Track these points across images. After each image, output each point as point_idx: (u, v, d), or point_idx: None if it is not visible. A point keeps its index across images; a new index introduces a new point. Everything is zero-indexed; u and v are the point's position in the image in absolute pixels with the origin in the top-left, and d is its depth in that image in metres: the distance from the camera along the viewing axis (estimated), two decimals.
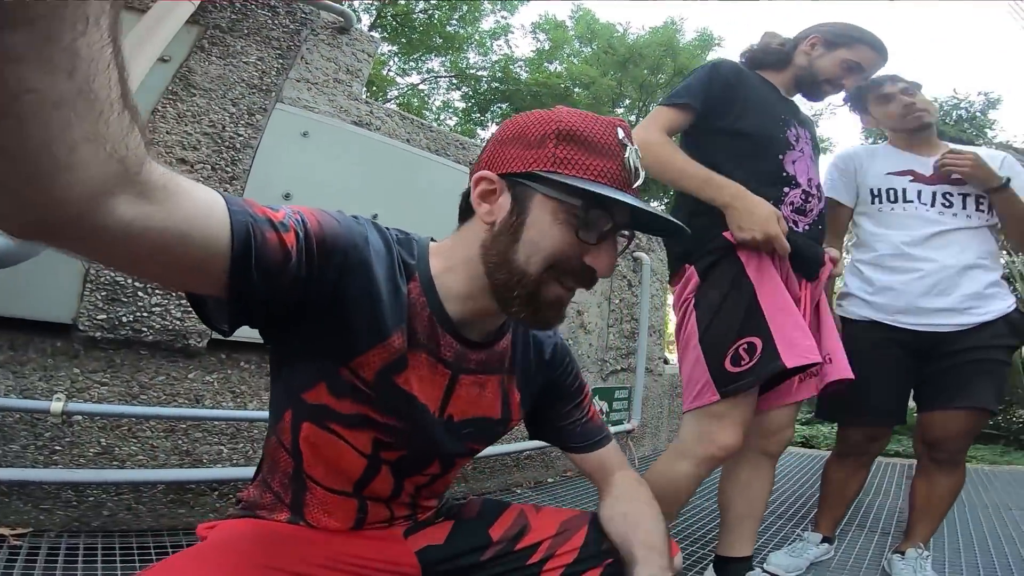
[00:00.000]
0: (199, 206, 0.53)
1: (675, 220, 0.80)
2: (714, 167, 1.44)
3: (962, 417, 1.70)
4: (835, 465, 2.00)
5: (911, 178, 1.82)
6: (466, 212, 0.83)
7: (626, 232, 0.82)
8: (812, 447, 4.83)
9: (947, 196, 1.77)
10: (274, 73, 2.02)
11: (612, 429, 3.11)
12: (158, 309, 1.67)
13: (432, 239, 0.86)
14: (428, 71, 16.99)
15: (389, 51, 16.20)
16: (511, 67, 16.61)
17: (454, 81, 17.04)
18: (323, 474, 0.82)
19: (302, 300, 0.67)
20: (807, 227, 1.54)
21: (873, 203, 1.86)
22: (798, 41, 1.66)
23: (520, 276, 0.74)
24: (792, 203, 1.56)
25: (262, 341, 0.76)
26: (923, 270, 1.73)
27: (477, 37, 16.23)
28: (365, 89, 2.44)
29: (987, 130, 16.04)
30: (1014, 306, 1.72)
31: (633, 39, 16.07)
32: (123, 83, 0.37)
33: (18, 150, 0.33)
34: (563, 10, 17.61)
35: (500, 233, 0.76)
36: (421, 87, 17.25)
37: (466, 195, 0.82)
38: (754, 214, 1.37)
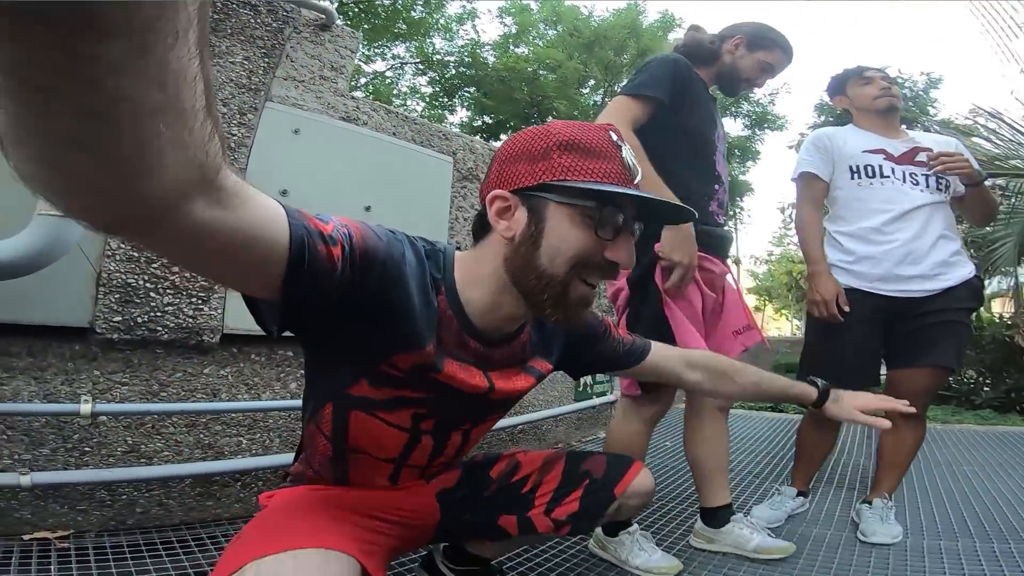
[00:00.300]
0: (265, 215, 0.57)
1: (681, 204, 0.88)
2: (660, 163, 1.49)
3: (927, 374, 1.88)
4: (809, 427, 2.14)
5: (884, 156, 1.96)
6: (481, 230, 0.88)
7: (637, 223, 0.88)
8: (781, 411, 5.05)
9: (913, 175, 1.93)
10: (261, 72, 2.03)
11: (595, 401, 3.24)
12: (171, 308, 1.71)
13: (457, 246, 0.92)
14: (394, 57, 16.73)
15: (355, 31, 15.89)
16: (478, 52, 16.48)
17: (420, 67, 16.82)
18: (366, 447, 0.93)
19: (344, 307, 0.72)
20: (723, 219, 1.73)
21: (852, 178, 1.98)
22: (724, 39, 1.75)
23: (548, 279, 0.80)
24: (719, 200, 1.71)
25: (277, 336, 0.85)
26: (899, 240, 1.88)
27: (443, 22, 15.99)
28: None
29: (929, 108, 16.60)
30: (973, 272, 1.89)
31: (598, 22, 16.06)
32: (208, 94, 0.39)
33: (113, 152, 0.35)
34: None
35: (521, 244, 0.81)
36: (387, 74, 16.98)
37: (480, 215, 0.88)
38: (688, 241, 1.50)
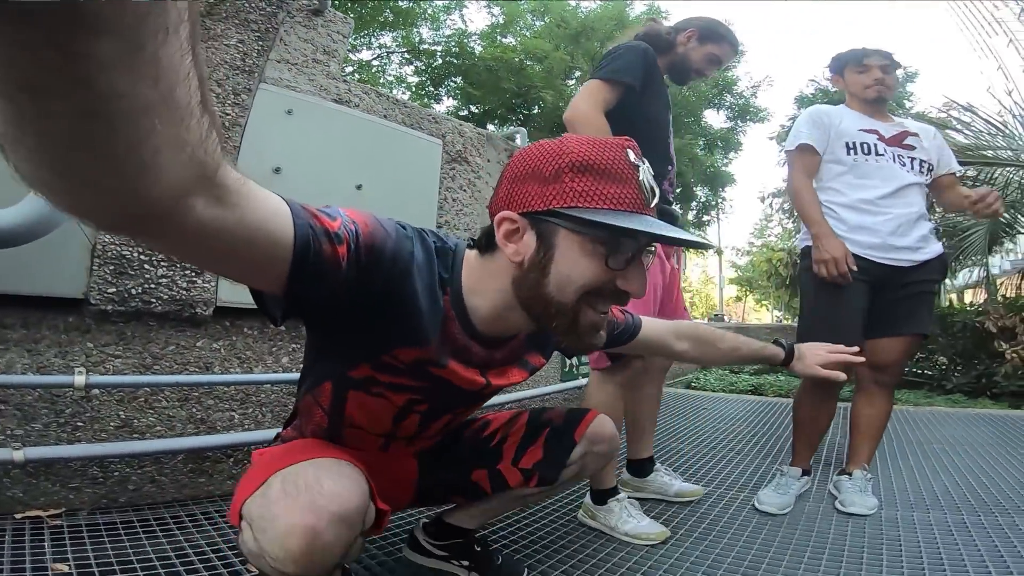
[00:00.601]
0: (268, 213, 0.56)
1: (698, 239, 0.86)
2: None
3: (906, 342, 2.00)
4: (805, 401, 2.12)
5: (877, 136, 2.04)
6: (489, 245, 0.84)
7: (651, 248, 0.85)
8: (761, 394, 5.14)
9: (901, 157, 2.03)
10: (255, 55, 2.01)
11: (581, 381, 3.25)
12: (165, 280, 1.70)
13: (468, 244, 0.90)
14: (380, 47, 16.54)
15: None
16: (465, 42, 16.34)
17: (407, 56, 16.65)
18: (361, 421, 0.96)
19: (349, 302, 0.72)
20: (672, 196, 1.90)
21: (849, 154, 2.03)
22: (679, 31, 1.85)
23: (556, 308, 0.78)
24: (670, 179, 1.85)
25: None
26: (892, 214, 1.97)
27: (430, 12, 15.82)
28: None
29: (905, 102, 16.91)
30: (942, 249, 2.03)
31: (585, 13, 16.02)
32: (203, 90, 0.38)
33: (109, 151, 0.35)
34: None
35: (529, 270, 0.78)
36: (373, 63, 16.79)
37: (487, 231, 0.84)
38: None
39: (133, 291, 1.65)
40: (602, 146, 0.78)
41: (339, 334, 0.83)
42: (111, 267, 1.62)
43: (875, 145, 2.03)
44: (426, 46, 16.20)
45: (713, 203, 17.30)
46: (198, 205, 0.46)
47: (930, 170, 2.07)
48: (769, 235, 31.30)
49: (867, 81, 2.06)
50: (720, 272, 26.91)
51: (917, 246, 1.97)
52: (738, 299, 44.49)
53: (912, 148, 2.05)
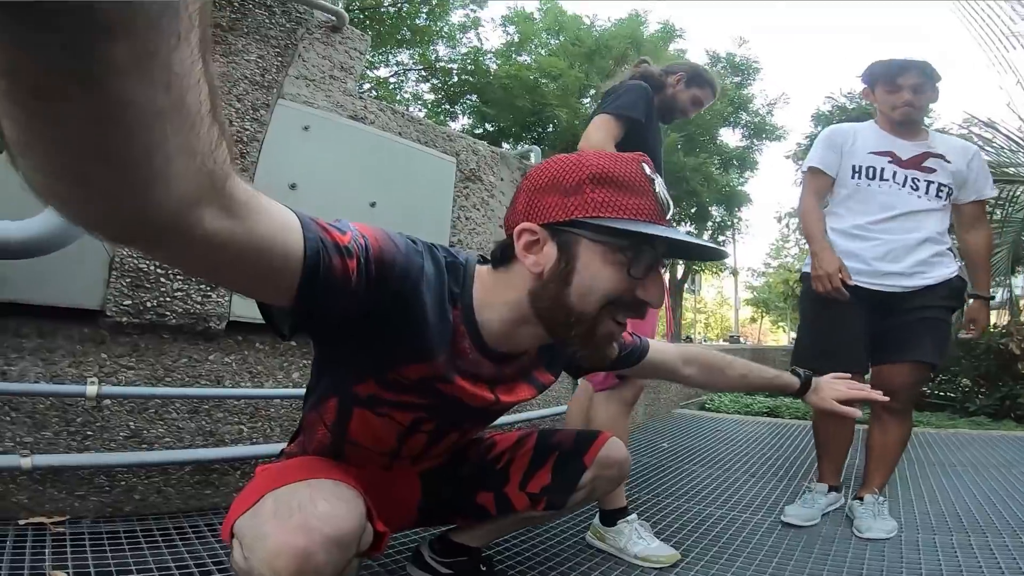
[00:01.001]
0: (277, 226, 0.56)
1: (713, 245, 0.85)
2: None
3: (908, 369, 1.93)
4: (822, 423, 2.15)
5: (889, 159, 2.00)
6: (504, 258, 0.84)
7: (666, 260, 0.87)
8: (777, 416, 5.05)
9: (915, 181, 1.97)
10: (274, 70, 2.06)
11: (552, 409, 3.12)
12: (180, 294, 1.73)
13: (479, 259, 0.90)
14: (397, 64, 16.81)
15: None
16: (481, 59, 16.55)
17: (423, 74, 16.90)
18: (365, 440, 0.95)
19: (358, 318, 0.72)
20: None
21: (853, 178, 2.03)
22: (669, 73, 1.99)
23: (577, 317, 0.78)
24: None
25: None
26: (881, 239, 1.95)
27: (446, 30, 16.07)
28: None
29: (926, 117, 16.68)
30: (955, 272, 1.94)
31: (599, 31, 16.16)
32: (213, 98, 0.38)
33: (121, 159, 0.35)
34: (532, 3, 17.54)
35: (550, 281, 0.78)
36: (391, 80, 17.06)
37: (503, 244, 0.84)
38: None
39: (148, 304, 1.67)
40: (620, 160, 0.80)
41: (347, 349, 0.82)
42: (128, 280, 1.65)
43: (882, 169, 2.00)
44: (442, 63, 16.42)
45: (729, 223, 17.16)
46: (207, 216, 0.45)
47: (948, 193, 1.99)
48: (786, 256, 31.08)
49: (896, 102, 2.01)
50: (736, 293, 26.87)
51: (913, 271, 1.93)
52: (753, 320, 44.12)
53: (931, 171, 1.98)
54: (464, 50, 16.48)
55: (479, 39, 16.63)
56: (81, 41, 0.28)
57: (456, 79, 16.77)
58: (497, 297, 0.84)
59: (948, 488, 2.45)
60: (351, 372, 0.87)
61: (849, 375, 1.41)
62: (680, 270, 17.44)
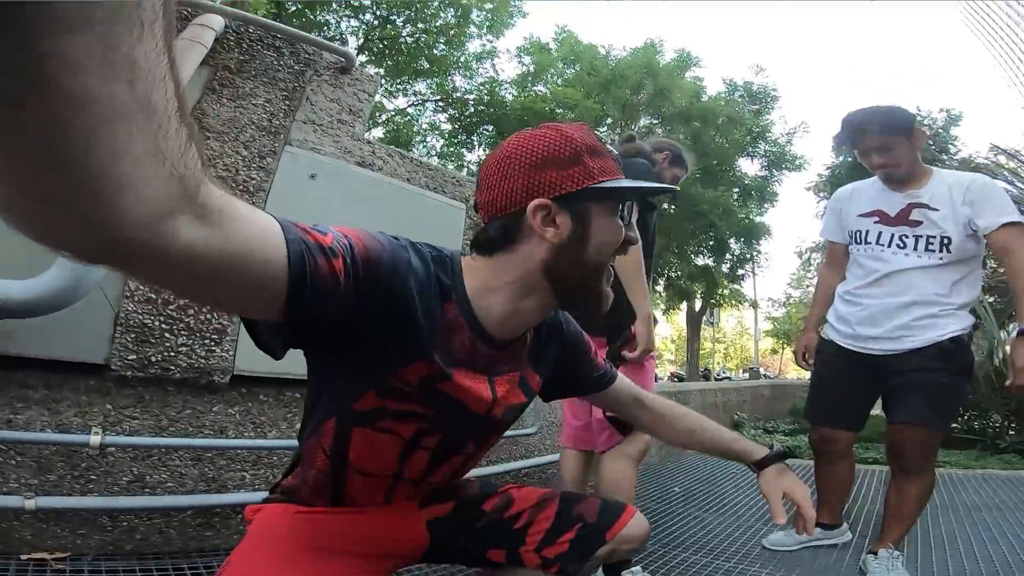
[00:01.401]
0: (257, 230, 0.54)
1: (668, 186, 0.95)
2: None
3: (901, 430, 1.92)
4: (818, 461, 2.25)
5: (876, 219, 2.03)
6: (498, 245, 0.87)
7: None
8: (796, 457, 4.96)
9: (903, 238, 1.97)
10: (281, 115, 2.11)
11: (513, 433, 3.07)
12: (184, 349, 1.78)
13: (462, 253, 0.92)
14: (415, 94, 17.19)
15: (376, 73, 16.46)
16: (497, 90, 16.81)
17: (440, 104, 17.22)
18: (366, 464, 0.92)
19: (349, 322, 0.71)
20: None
21: (851, 244, 2.11)
22: (657, 151, 2.16)
23: (591, 271, 0.87)
24: None
25: (280, 375, 0.87)
26: (863, 304, 2.01)
27: (463, 60, 16.43)
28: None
29: (949, 146, 16.44)
30: (948, 335, 1.88)
31: (615, 61, 16.37)
32: (179, 97, 0.37)
33: (83, 166, 0.33)
34: (547, 31, 17.88)
35: (569, 247, 0.84)
36: (408, 110, 17.41)
37: (503, 226, 0.86)
38: (650, 344, 1.80)
39: (153, 358, 1.73)
40: (587, 130, 0.89)
41: (342, 359, 0.81)
42: (132, 335, 1.71)
43: (867, 232, 2.05)
44: (459, 94, 16.74)
45: (748, 256, 16.98)
46: (181, 226, 0.43)
47: (945, 244, 1.91)
48: (808, 286, 30.72)
49: (871, 165, 2.03)
50: (755, 325, 26.65)
51: (896, 335, 1.93)
52: (774, 352, 43.44)
53: (917, 224, 1.95)
54: (480, 80, 16.80)
55: (495, 70, 16.91)
56: (33, 36, 0.26)
57: (472, 109, 17.05)
58: (498, 280, 0.86)
59: (971, 534, 2.40)
60: (349, 386, 0.85)
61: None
62: (698, 304, 17.29)
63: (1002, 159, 7.00)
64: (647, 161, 1.99)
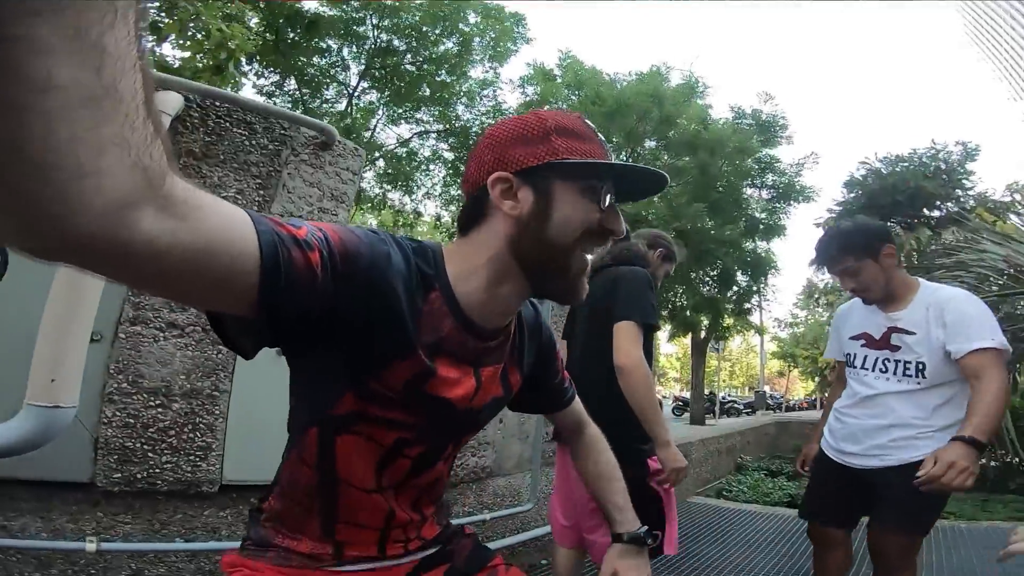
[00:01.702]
0: (225, 221, 0.54)
1: (660, 171, 0.91)
2: None
3: (884, 534, 2.04)
4: (813, 549, 2.34)
5: (863, 342, 2.16)
6: (471, 221, 0.89)
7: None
8: (797, 507, 4.99)
9: (885, 362, 2.08)
10: (256, 208, 1.99)
11: (509, 511, 3.19)
12: (169, 465, 1.88)
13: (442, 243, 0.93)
14: (417, 121, 17.25)
15: (378, 99, 16.65)
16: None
17: (442, 133, 17.27)
18: (354, 476, 0.88)
19: (327, 318, 0.70)
20: None
21: (846, 364, 2.25)
22: (652, 248, 2.26)
23: (556, 251, 0.85)
24: None
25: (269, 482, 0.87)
26: (846, 422, 2.16)
27: (466, 88, 16.54)
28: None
29: (964, 181, 16.39)
30: (914, 458, 1.89)
31: (621, 86, 16.36)
32: (147, 88, 0.37)
33: (43, 152, 0.32)
34: (551, 56, 18.01)
35: (530, 221, 0.84)
36: (412, 141, 17.51)
37: (471, 202, 0.89)
38: (680, 462, 1.86)
39: (138, 475, 1.83)
40: (571, 115, 0.89)
41: (322, 359, 0.79)
42: (115, 456, 1.80)
43: (855, 355, 2.18)
44: (462, 123, 16.85)
45: (755, 289, 16.94)
46: (145, 218, 0.43)
47: (920, 369, 1.97)
48: (815, 308, 30.73)
49: (845, 289, 2.15)
50: (761, 351, 26.67)
51: (873, 453, 2.05)
52: (780, 374, 43.25)
53: (896, 349, 2.03)
54: (484, 109, 16.86)
55: (496, 100, 16.99)
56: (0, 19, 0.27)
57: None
58: (472, 261, 0.87)
59: None
60: (327, 390, 0.83)
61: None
62: (703, 333, 17.26)
63: (1018, 197, 7.01)
64: (646, 273, 2.01)
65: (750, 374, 44.31)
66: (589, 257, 0.89)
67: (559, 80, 17.10)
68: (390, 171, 16.56)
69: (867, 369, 2.12)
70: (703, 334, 17.24)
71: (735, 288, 16.34)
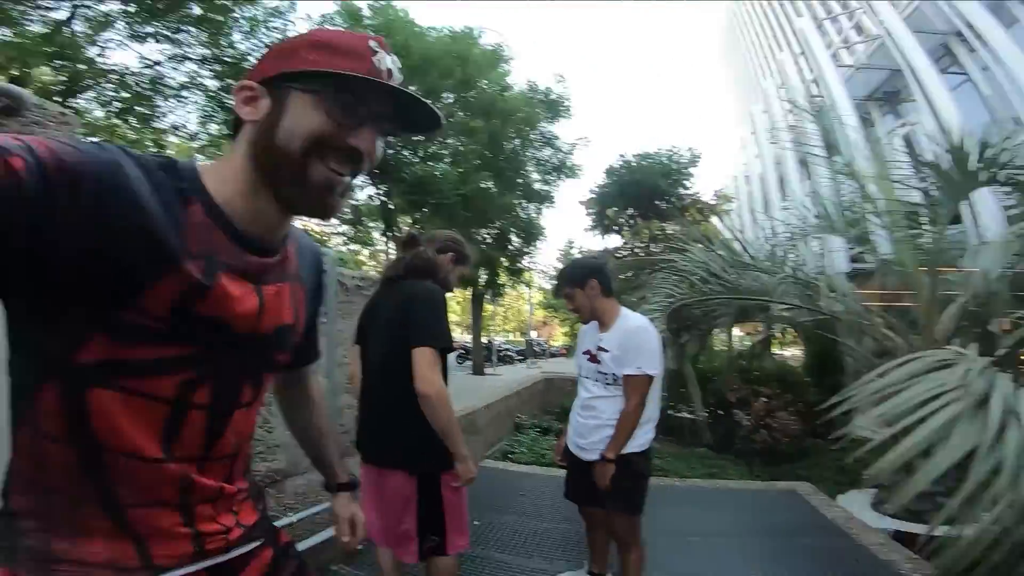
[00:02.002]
0: None
1: (429, 103, 0.86)
2: None
3: (610, 514, 2.60)
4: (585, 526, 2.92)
5: (588, 356, 2.64)
6: (234, 126, 0.87)
7: (387, 128, 0.88)
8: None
9: (597, 373, 2.60)
10: None
11: (314, 510, 3.26)
12: None
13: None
14: (174, 42, 14.43)
15: (118, 10, 13.24)
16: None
17: (206, 61, 14.81)
18: (127, 443, 0.74)
19: (48, 238, 0.63)
20: None
21: None
22: (442, 253, 2.23)
23: (283, 158, 0.80)
24: None
25: None
26: (574, 422, 2.73)
27: (249, 16, 14.56)
28: None
29: (684, 183, 19.42)
30: (627, 450, 2.48)
31: (431, 41, 15.81)
32: None
33: None
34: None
35: (263, 127, 0.81)
36: (163, 65, 14.66)
37: (232, 118, 0.87)
38: (472, 473, 1.98)
39: None
40: (345, 33, 0.86)
41: (50, 292, 0.67)
42: None
43: (582, 366, 2.68)
44: (239, 53, 14.88)
45: (526, 251, 18.47)
46: None
47: (615, 380, 2.50)
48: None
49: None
50: (530, 306, 30.64)
51: (590, 448, 2.55)
52: (544, 323, 48.50)
53: (599, 362, 2.56)
54: (267, 40, 14.98)
55: (286, 34, 15.12)
56: None
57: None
58: (230, 169, 0.83)
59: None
60: (64, 331, 0.70)
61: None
62: (481, 287, 18.54)
63: (721, 201, 8.41)
64: (440, 290, 2.04)
65: (520, 319, 48.95)
66: (346, 179, 0.84)
67: (367, 23, 16.01)
68: (126, 95, 13.14)
69: (587, 378, 2.62)
70: (481, 288, 18.51)
71: (509, 249, 17.71)
